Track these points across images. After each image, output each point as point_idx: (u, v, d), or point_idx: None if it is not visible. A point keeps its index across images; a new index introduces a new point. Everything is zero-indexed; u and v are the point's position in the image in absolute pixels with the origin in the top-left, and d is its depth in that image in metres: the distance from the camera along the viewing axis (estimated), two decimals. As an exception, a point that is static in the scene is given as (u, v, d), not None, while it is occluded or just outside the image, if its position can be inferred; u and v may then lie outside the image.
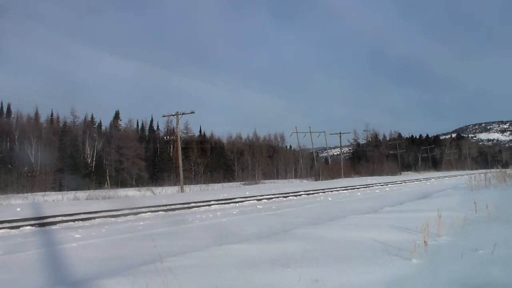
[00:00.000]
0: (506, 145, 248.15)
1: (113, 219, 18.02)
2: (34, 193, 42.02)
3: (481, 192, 18.72)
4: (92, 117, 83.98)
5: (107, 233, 13.51)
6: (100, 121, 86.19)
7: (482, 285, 4.93)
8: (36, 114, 76.89)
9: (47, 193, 43.72)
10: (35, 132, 68.64)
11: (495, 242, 6.50)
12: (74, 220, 17.28)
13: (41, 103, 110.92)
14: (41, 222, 16.74)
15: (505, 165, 68.21)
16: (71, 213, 19.85)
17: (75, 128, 79.02)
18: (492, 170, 29.21)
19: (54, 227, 15.82)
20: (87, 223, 16.90)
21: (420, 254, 6.25)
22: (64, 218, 17.96)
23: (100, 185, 61.51)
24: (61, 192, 47.80)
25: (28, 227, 15.42)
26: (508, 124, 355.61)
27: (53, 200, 33.80)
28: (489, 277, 5.22)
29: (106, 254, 9.73)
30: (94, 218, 18.06)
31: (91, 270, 7.78)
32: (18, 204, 27.71)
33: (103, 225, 15.89)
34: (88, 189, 52.49)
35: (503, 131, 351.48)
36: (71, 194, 40.32)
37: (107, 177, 70.24)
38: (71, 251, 10.39)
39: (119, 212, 19.85)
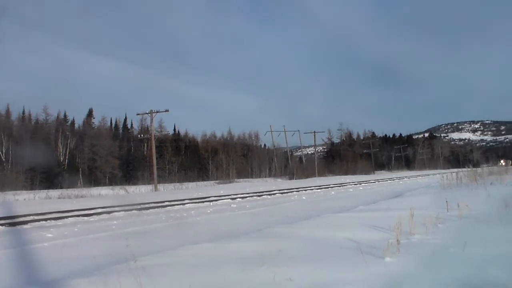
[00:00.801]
0: (477, 145, 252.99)
1: (86, 218, 17.83)
2: (4, 192, 41.26)
3: (453, 191, 19.02)
4: (65, 115, 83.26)
5: (80, 232, 13.38)
6: (73, 119, 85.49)
7: (452, 282, 5.02)
8: (7, 111, 75.76)
9: (18, 192, 42.91)
10: (6, 130, 67.57)
11: (466, 240, 6.63)
12: (46, 219, 17.04)
13: (13, 100, 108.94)
14: (12, 221, 16.46)
15: (476, 165, 69.45)
16: (43, 212, 19.59)
17: (48, 126, 78.00)
18: (463, 169, 29.69)
19: (25, 226, 15.57)
20: (59, 222, 16.68)
21: (393, 253, 6.33)
22: (36, 217, 17.69)
23: (72, 183, 60.73)
24: (32, 191, 47.02)
25: (-2, 227, 15.17)
26: (479, 124, 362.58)
27: (24, 199, 33.23)
28: (460, 274, 5.31)
29: (78, 254, 9.63)
30: (66, 217, 17.86)
31: (63, 270, 7.69)
32: (-12, 203, 27.21)
33: (75, 224, 15.72)
34: (61, 187, 51.87)
35: (474, 131, 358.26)
36: (43, 193, 39.76)
37: (80, 175, 69.32)
38: (43, 250, 10.26)
39: (92, 211, 19.67)
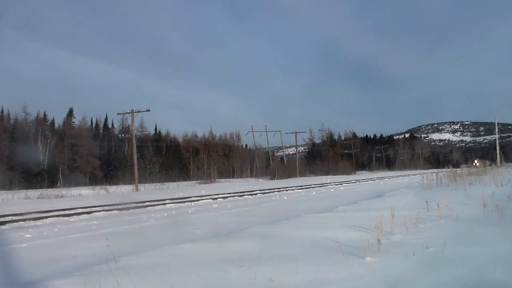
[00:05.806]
0: (457, 145, 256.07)
1: (65, 218, 17.68)
2: (-18, 192, 40.72)
3: (433, 191, 19.13)
4: (44, 114, 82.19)
5: (60, 233, 13.25)
6: (53, 119, 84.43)
7: (432, 280, 5.06)
8: (-15, 110, 74.72)
9: (-4, 192, 42.46)
10: (-17, 129, 66.63)
11: (445, 239, 6.70)
12: (24, 220, 16.86)
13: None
14: (-10, 222, 16.27)
15: (455, 165, 70.23)
16: (22, 212, 19.38)
17: (27, 125, 76.95)
18: (443, 169, 29.93)
19: (3, 227, 15.38)
20: (38, 222, 16.51)
21: (373, 252, 6.36)
22: (14, 218, 17.51)
23: (52, 183, 60.13)
24: (11, 191, 46.43)
25: (-25, 227, 14.97)
26: (458, 125, 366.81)
27: (3, 200, 32.82)
28: (439, 273, 5.36)
29: (58, 254, 9.53)
30: (46, 217, 17.68)
31: (42, 271, 7.60)
32: (-34, 203, 26.83)
33: (55, 224, 15.57)
34: (40, 187, 51.23)
35: (454, 132, 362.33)
36: (22, 193, 39.24)
37: (60, 175, 68.55)
38: (21, 251, 10.14)
39: (72, 211, 19.51)
